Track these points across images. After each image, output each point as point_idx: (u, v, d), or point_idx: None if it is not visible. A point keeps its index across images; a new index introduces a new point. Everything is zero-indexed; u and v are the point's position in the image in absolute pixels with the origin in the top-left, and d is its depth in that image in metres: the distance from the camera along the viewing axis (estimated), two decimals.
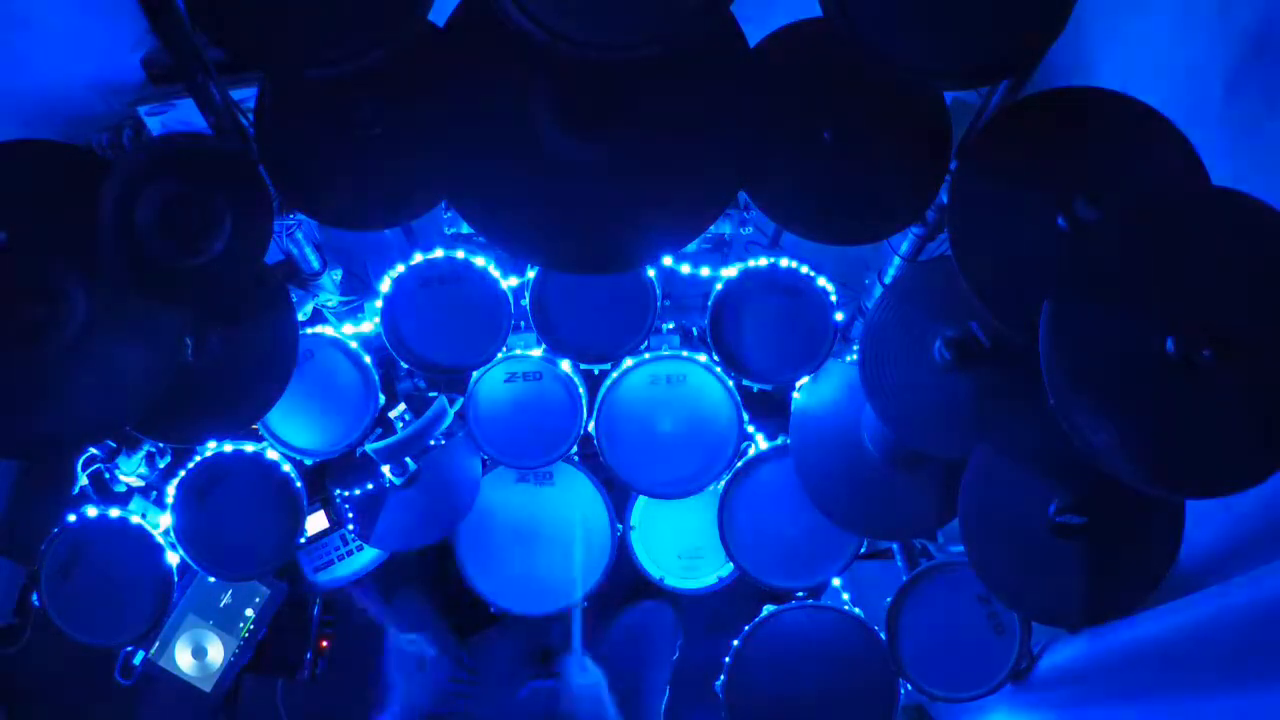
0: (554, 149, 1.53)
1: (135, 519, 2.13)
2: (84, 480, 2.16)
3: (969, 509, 1.73)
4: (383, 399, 2.25)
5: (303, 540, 2.57)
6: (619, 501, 2.55)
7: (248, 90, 1.81)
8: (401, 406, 2.31)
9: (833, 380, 2.14)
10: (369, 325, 2.34)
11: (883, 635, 2.04)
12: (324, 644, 2.74)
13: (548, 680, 2.54)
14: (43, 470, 2.78)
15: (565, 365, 2.29)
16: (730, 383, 2.29)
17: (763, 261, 2.09)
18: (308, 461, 2.28)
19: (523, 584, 2.52)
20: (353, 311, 2.40)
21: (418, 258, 2.11)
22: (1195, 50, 1.66)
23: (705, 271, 2.26)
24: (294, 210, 1.87)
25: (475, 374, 2.29)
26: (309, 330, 2.20)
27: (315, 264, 2.18)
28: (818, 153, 1.58)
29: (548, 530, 2.53)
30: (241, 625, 2.57)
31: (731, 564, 2.35)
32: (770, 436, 2.35)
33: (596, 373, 2.33)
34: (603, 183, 1.56)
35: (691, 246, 2.26)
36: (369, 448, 2.19)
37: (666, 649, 2.61)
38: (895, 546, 2.33)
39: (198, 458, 2.17)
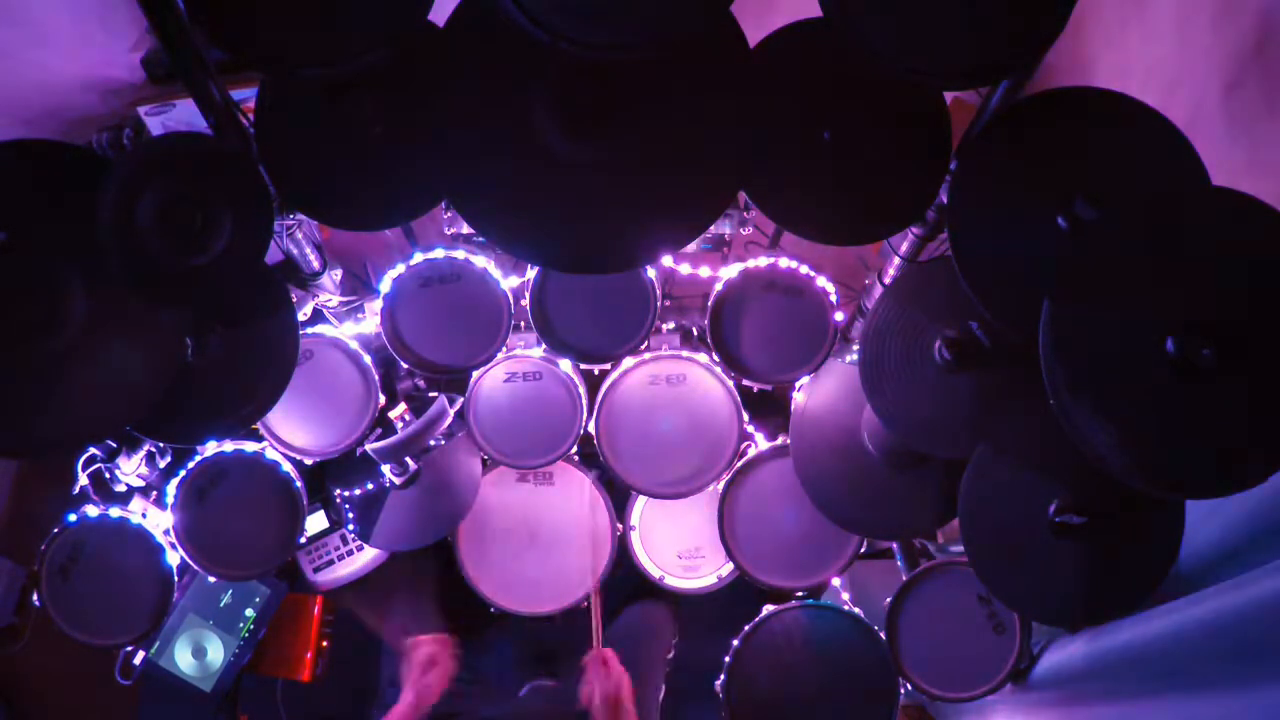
0: (554, 149, 1.53)
1: (135, 519, 2.13)
2: (84, 480, 2.16)
3: (969, 509, 1.73)
4: (383, 399, 2.26)
5: (303, 540, 2.57)
6: (619, 501, 2.55)
7: (248, 90, 1.81)
8: (401, 406, 2.31)
9: (833, 380, 2.14)
10: (369, 325, 2.34)
11: (883, 635, 2.04)
12: (324, 644, 2.74)
13: (548, 680, 2.54)
14: (43, 470, 2.78)
15: (565, 365, 2.29)
16: (730, 383, 2.29)
17: (763, 261, 2.09)
18: (308, 461, 2.28)
19: (523, 584, 2.52)
20: (353, 311, 2.41)
21: (418, 258, 2.11)
22: (1195, 50, 1.66)
23: (705, 271, 2.27)
24: (294, 210, 1.86)
25: (475, 374, 2.29)
26: (309, 330, 2.20)
27: (315, 264, 2.18)
28: (818, 153, 1.58)
29: (548, 530, 2.53)
30: (241, 625, 2.58)
31: (731, 564, 2.35)
32: (770, 436, 2.35)
33: (596, 373, 2.33)
34: (603, 183, 1.56)
35: (691, 246, 2.26)
36: (369, 448, 2.19)
37: (662, 646, 2.61)
38: (895, 546, 2.33)
39: (198, 458, 2.17)
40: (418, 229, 2.41)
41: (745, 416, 2.30)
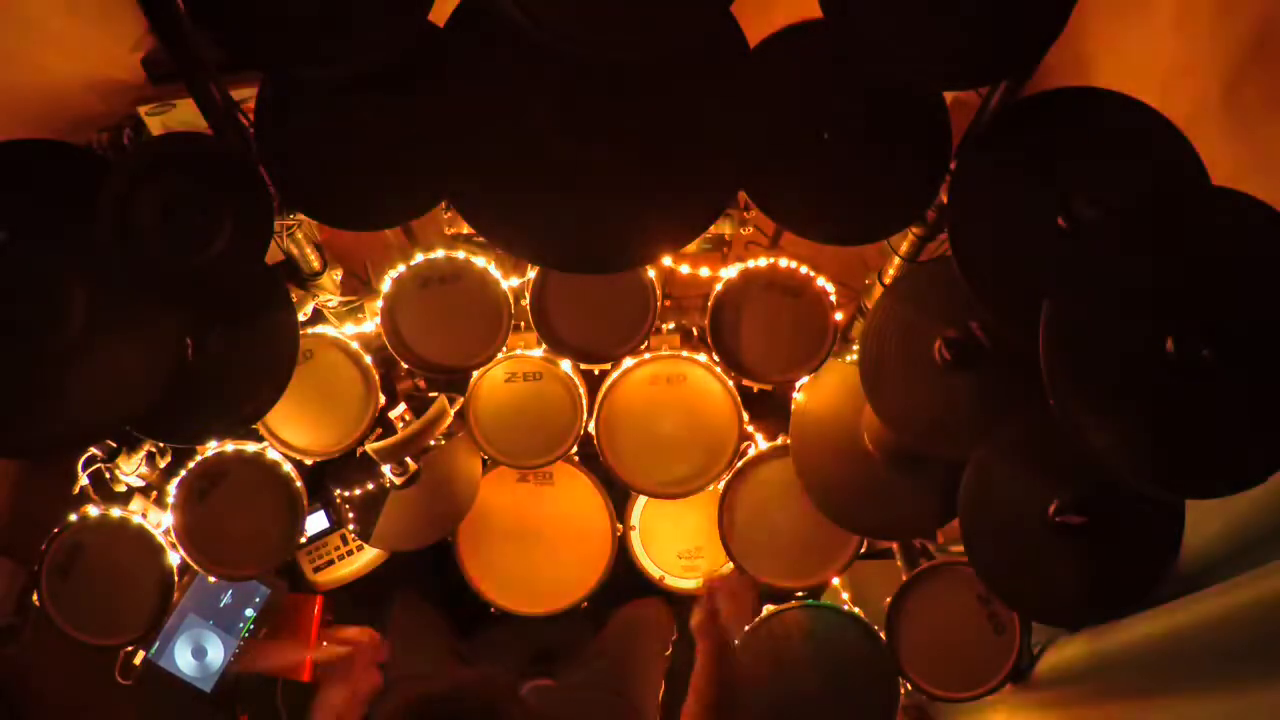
0: (554, 149, 1.53)
1: (135, 519, 2.13)
2: (84, 480, 2.16)
3: (969, 509, 1.72)
4: (383, 399, 2.26)
5: (303, 540, 2.57)
6: (619, 501, 2.55)
7: (248, 90, 1.81)
8: (401, 406, 2.31)
9: (833, 380, 2.14)
10: (369, 325, 2.34)
11: (883, 635, 2.04)
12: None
13: (547, 680, 2.53)
14: (43, 470, 2.77)
15: (565, 365, 2.29)
16: (730, 383, 2.29)
17: (763, 261, 2.09)
18: (308, 461, 2.28)
19: (523, 584, 2.52)
20: (353, 311, 2.40)
21: (418, 258, 2.11)
22: (1195, 50, 1.66)
23: (705, 271, 2.26)
24: (294, 210, 1.86)
25: (475, 374, 2.28)
26: (309, 330, 2.20)
27: (315, 264, 2.18)
28: (817, 153, 1.58)
29: (548, 530, 2.53)
30: (241, 625, 2.57)
31: (731, 564, 2.35)
32: (770, 436, 2.35)
33: (596, 373, 2.33)
34: (603, 183, 1.56)
35: (691, 247, 2.26)
36: (369, 448, 2.19)
37: (661, 645, 2.61)
38: (895, 546, 2.33)
39: (198, 458, 2.17)
40: (418, 229, 2.41)
41: (745, 416, 2.30)
